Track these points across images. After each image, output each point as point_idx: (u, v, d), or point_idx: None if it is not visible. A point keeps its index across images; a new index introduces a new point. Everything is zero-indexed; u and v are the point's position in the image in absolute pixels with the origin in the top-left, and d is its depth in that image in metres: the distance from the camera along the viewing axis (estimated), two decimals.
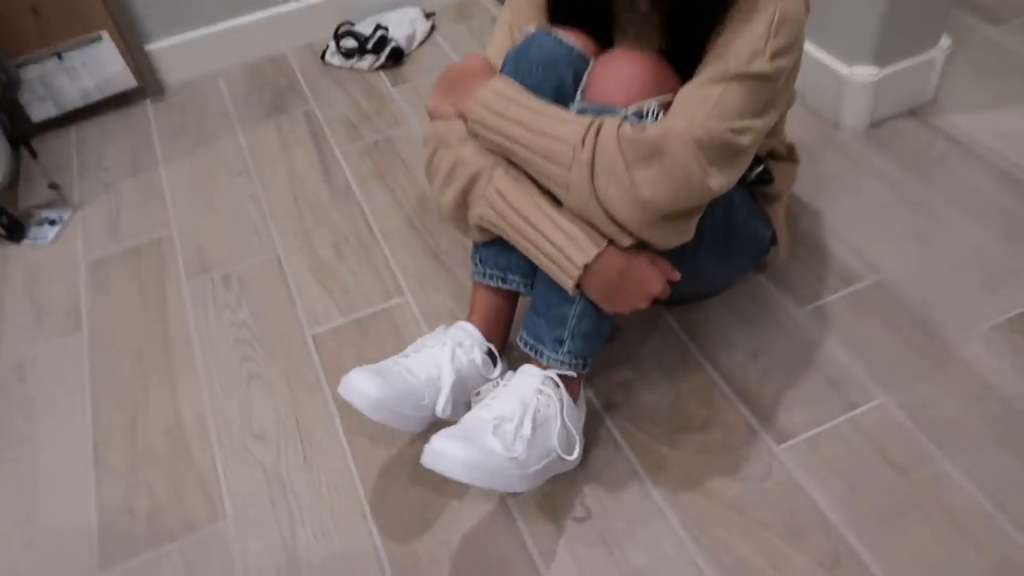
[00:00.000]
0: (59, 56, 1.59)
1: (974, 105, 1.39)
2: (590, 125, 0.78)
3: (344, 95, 1.65)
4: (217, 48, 1.75)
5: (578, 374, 0.90)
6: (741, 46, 0.79)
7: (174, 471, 1.03)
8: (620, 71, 0.83)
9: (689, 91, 0.80)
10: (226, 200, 1.43)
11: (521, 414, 0.84)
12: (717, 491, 0.92)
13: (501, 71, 0.89)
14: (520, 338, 0.92)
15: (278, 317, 1.21)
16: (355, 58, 1.71)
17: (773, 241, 1.06)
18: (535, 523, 0.92)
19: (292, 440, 1.04)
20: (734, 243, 1.00)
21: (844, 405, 0.98)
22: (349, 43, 1.71)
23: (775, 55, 0.79)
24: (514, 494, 0.94)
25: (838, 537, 0.87)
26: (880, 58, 1.29)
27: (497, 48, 0.95)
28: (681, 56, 0.84)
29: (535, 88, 0.85)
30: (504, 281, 0.95)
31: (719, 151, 0.79)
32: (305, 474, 1.00)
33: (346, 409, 1.05)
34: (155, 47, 1.70)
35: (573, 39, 0.87)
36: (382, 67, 1.70)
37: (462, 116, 0.88)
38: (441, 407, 0.89)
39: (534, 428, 0.83)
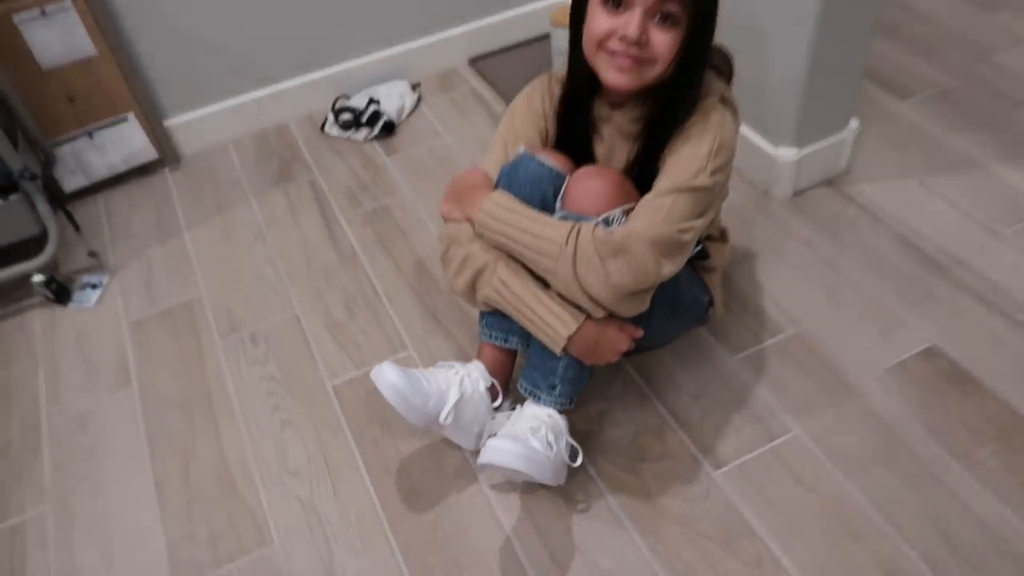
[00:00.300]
0: (90, 135, 1.80)
1: (880, 176, 1.66)
2: (571, 229, 1.03)
3: (343, 164, 1.87)
4: (227, 121, 1.97)
5: (567, 410, 1.15)
6: (688, 164, 1.04)
7: (225, 504, 1.24)
8: (592, 187, 1.08)
9: (648, 200, 1.06)
10: (246, 263, 1.65)
11: (545, 426, 1.10)
12: (668, 509, 1.16)
13: (497, 185, 1.13)
14: (520, 385, 1.17)
15: (301, 370, 1.43)
16: (351, 130, 1.93)
17: (711, 303, 1.32)
18: (525, 538, 1.15)
19: (322, 476, 1.27)
20: (679, 308, 1.25)
21: (766, 437, 1.23)
22: (346, 117, 1.93)
23: (713, 172, 1.05)
24: (545, 486, 1.17)
25: (761, 543, 1.11)
26: (800, 140, 1.56)
27: (494, 159, 1.18)
28: (641, 171, 1.10)
29: (525, 199, 1.09)
30: (506, 341, 1.20)
31: (669, 247, 1.04)
32: (335, 504, 1.23)
33: (365, 447, 1.28)
34: (173, 122, 1.91)
35: (552, 161, 1.11)
36: (375, 138, 1.93)
37: (469, 220, 1.12)
38: (444, 415, 1.12)
39: (555, 437, 1.10)
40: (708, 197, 1.06)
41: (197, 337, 1.51)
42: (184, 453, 1.32)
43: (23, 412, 1.42)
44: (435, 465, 1.26)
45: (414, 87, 2.05)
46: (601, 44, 1.02)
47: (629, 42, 0.98)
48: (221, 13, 1.81)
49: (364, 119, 1.91)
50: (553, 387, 1.14)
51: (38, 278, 1.57)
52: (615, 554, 1.12)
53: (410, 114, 2.00)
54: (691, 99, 1.07)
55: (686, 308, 1.27)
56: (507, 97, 1.98)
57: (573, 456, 1.16)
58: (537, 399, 1.15)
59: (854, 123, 1.61)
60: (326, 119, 1.98)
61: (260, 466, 1.29)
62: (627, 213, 1.06)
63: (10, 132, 1.51)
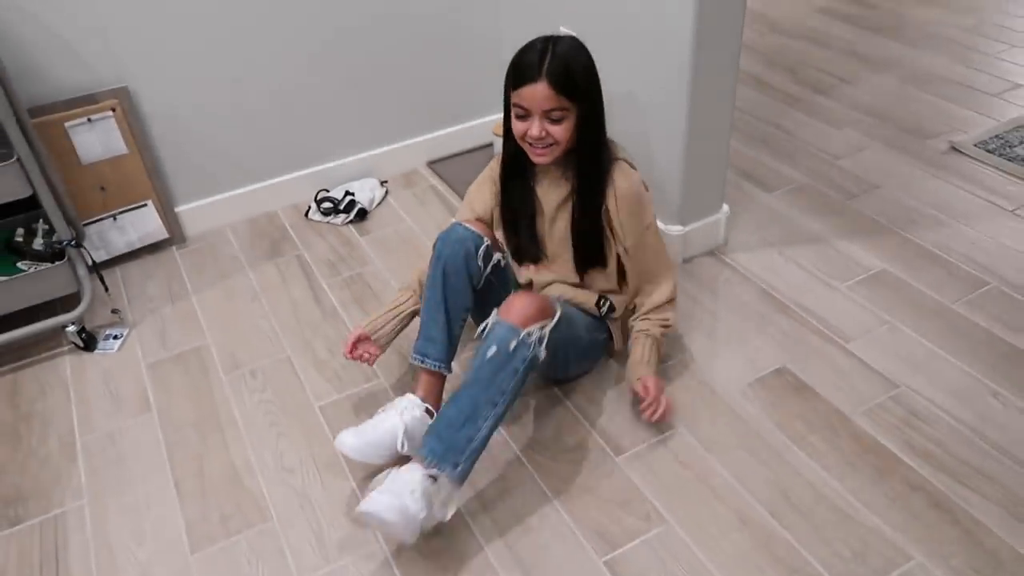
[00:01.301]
0: (114, 217, 2.18)
1: (749, 247, 2.13)
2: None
3: (324, 243, 2.28)
4: (227, 208, 2.37)
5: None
6: (634, 221, 1.54)
7: (233, 493, 1.56)
8: (519, 305, 1.42)
9: (636, 256, 1.58)
10: (245, 319, 2.01)
11: (420, 490, 1.31)
12: (581, 484, 1.52)
13: (435, 243, 1.55)
14: (424, 448, 1.36)
15: (293, 395, 1.77)
16: (331, 216, 2.36)
17: (611, 339, 1.72)
18: (470, 506, 1.49)
19: (312, 472, 1.60)
20: (588, 350, 1.68)
21: (656, 432, 1.62)
22: (326, 205, 2.36)
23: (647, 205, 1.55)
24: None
25: (650, 504, 1.48)
26: (683, 220, 2.02)
27: (465, 206, 1.68)
28: (583, 214, 1.55)
29: (454, 253, 1.52)
30: (423, 362, 1.55)
31: (667, 259, 1.63)
32: (323, 492, 1.55)
33: None
34: (182, 208, 2.31)
35: (474, 227, 1.55)
36: (351, 222, 2.35)
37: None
38: (399, 445, 1.47)
39: (427, 503, 1.32)
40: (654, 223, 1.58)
41: (206, 373, 1.85)
42: (198, 459, 1.64)
43: (60, 432, 1.73)
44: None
45: (383, 183, 2.50)
46: (521, 139, 1.48)
47: (535, 139, 1.44)
48: (226, 123, 2.25)
49: (342, 207, 2.34)
50: (456, 465, 1.36)
51: (71, 328, 1.91)
52: (541, 517, 1.47)
53: (379, 204, 2.43)
54: (596, 156, 1.50)
55: (594, 348, 1.70)
56: (459, 192, 2.43)
57: (445, 513, 1.37)
58: (440, 469, 1.34)
59: (725, 207, 2.10)
60: (309, 207, 2.40)
61: (261, 466, 1.62)
62: (543, 328, 1.42)
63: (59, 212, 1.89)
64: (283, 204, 2.45)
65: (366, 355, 1.64)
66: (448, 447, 1.36)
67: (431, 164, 2.61)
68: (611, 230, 1.57)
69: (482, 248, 1.56)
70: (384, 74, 2.40)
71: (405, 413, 1.51)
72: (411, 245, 2.24)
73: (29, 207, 2.02)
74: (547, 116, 1.42)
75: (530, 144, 1.47)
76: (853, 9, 3.61)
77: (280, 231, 2.35)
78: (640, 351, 1.64)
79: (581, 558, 1.40)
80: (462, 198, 2.38)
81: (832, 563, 1.36)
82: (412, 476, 1.34)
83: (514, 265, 1.73)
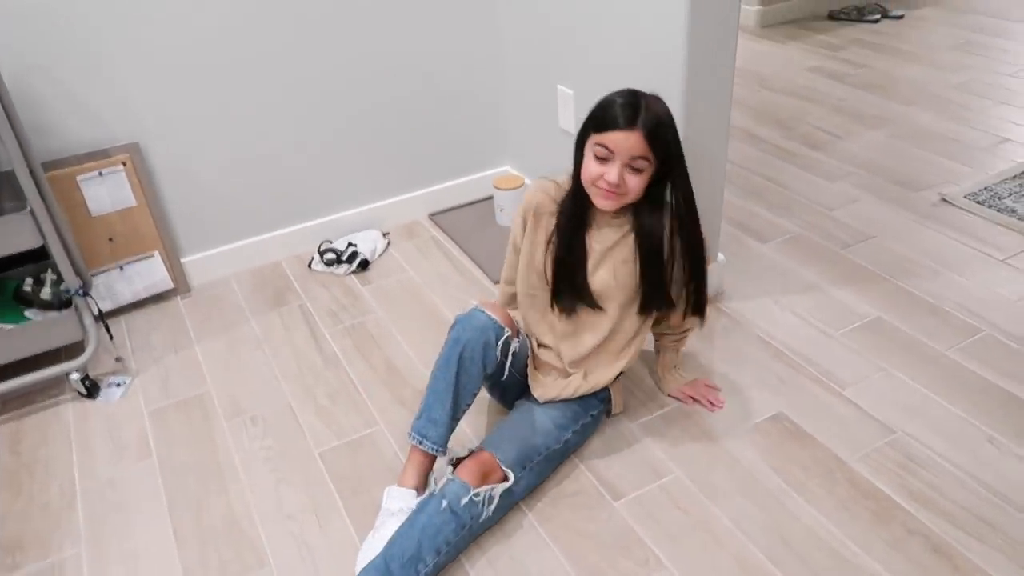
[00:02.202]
0: (121, 268, 2.22)
1: (746, 296, 2.16)
2: None
3: (327, 292, 2.32)
4: (231, 259, 2.42)
5: None
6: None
7: (231, 539, 1.56)
8: (476, 466, 1.47)
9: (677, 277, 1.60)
10: (248, 367, 2.03)
11: None
12: (580, 529, 1.52)
13: (452, 327, 1.56)
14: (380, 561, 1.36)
15: (293, 442, 1.79)
16: (334, 266, 2.40)
17: (609, 401, 1.73)
18: (470, 553, 1.49)
19: (311, 518, 1.60)
20: (587, 422, 1.67)
21: (655, 477, 1.62)
22: (329, 256, 2.40)
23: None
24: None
25: (648, 550, 1.47)
26: None
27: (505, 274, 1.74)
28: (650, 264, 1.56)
29: (472, 340, 1.51)
30: (420, 444, 1.52)
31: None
32: (322, 538, 1.55)
33: (345, 496, 1.63)
34: (187, 260, 2.35)
35: (496, 315, 1.55)
36: (353, 272, 2.39)
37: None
38: None
39: None
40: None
41: (207, 420, 1.87)
42: (197, 505, 1.65)
43: (60, 480, 1.73)
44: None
45: (385, 234, 2.55)
46: (593, 182, 1.47)
47: (611, 184, 1.44)
48: (232, 176, 2.31)
49: (344, 257, 2.38)
50: (417, 572, 1.37)
51: (75, 376, 1.93)
52: (540, 563, 1.47)
53: (381, 255, 2.48)
54: (657, 207, 1.52)
55: (592, 420, 1.69)
56: (460, 243, 2.48)
57: None
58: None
59: (721, 256, 2.13)
60: (312, 258, 2.44)
61: (260, 512, 1.62)
62: (493, 491, 1.46)
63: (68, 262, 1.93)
64: (287, 255, 2.50)
65: None
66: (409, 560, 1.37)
67: (432, 216, 2.66)
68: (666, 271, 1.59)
69: (502, 340, 1.55)
70: (387, 128, 2.47)
71: (399, 514, 1.48)
72: (412, 295, 2.28)
73: (39, 257, 2.06)
74: (630, 165, 1.43)
75: (600, 188, 1.46)
76: (843, 68, 3.72)
77: (284, 281, 2.39)
78: (669, 358, 1.83)
79: None
80: (463, 249, 2.45)
81: None
82: None
83: (532, 343, 1.71)
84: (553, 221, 1.59)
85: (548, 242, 1.60)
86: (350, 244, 2.43)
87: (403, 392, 1.90)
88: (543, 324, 1.68)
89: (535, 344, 1.71)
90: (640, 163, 1.43)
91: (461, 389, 1.52)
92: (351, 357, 2.04)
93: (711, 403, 1.79)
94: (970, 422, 1.70)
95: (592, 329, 1.63)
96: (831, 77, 3.63)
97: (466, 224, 2.59)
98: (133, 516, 1.63)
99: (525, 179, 2.58)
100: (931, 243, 2.34)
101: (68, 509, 1.66)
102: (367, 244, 2.46)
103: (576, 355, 1.65)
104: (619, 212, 1.55)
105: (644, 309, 1.62)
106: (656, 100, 1.45)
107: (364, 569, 1.37)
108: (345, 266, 2.39)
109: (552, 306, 1.64)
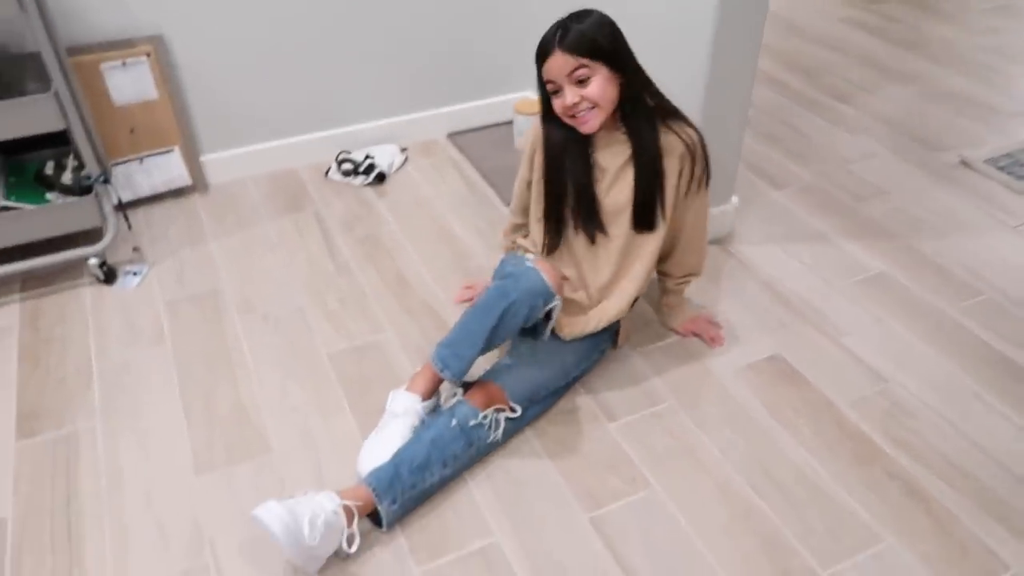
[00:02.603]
0: (141, 160, 2.24)
1: (754, 241, 2.18)
2: None
3: (342, 202, 2.34)
4: (249, 161, 2.43)
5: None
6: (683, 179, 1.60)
7: (238, 426, 1.63)
8: (483, 393, 1.52)
9: (681, 218, 1.66)
10: (261, 267, 2.07)
11: (323, 518, 1.29)
12: (574, 446, 1.59)
13: (505, 275, 1.59)
14: (372, 476, 1.39)
15: (303, 342, 1.84)
16: (351, 176, 2.41)
17: (617, 334, 1.77)
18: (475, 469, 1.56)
19: (313, 409, 1.66)
20: (592, 352, 1.71)
21: (649, 404, 1.68)
22: (347, 166, 2.42)
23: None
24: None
25: (636, 469, 1.54)
26: None
27: (513, 216, 1.79)
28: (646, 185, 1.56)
29: (518, 301, 1.50)
30: (441, 371, 1.53)
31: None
32: (325, 430, 1.62)
33: (351, 394, 1.69)
34: (206, 158, 2.37)
35: (550, 279, 1.53)
36: (369, 184, 2.41)
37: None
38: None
39: (326, 531, 1.29)
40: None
41: (219, 314, 1.92)
42: (206, 391, 1.71)
43: (76, 358, 1.80)
44: None
45: (403, 150, 2.56)
46: (564, 115, 1.50)
47: (572, 107, 1.47)
48: (254, 78, 2.31)
49: (361, 168, 2.40)
50: (395, 500, 1.38)
51: (94, 261, 1.97)
52: (536, 476, 1.53)
53: (398, 170, 2.49)
54: (644, 112, 1.51)
55: (600, 354, 1.74)
56: (477, 165, 2.49)
57: (350, 543, 1.34)
58: (377, 500, 1.37)
59: (735, 199, 2.15)
60: (330, 167, 2.46)
61: (267, 402, 1.68)
62: (499, 414, 1.52)
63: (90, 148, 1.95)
64: (304, 162, 2.51)
65: (472, 294, 1.79)
66: (393, 480, 1.40)
67: (451, 136, 2.66)
68: (663, 191, 1.58)
69: (550, 306, 1.57)
70: (412, 42, 2.45)
71: (406, 418, 1.52)
72: (426, 211, 2.30)
73: (60, 142, 2.08)
74: (573, 81, 1.45)
75: (572, 117, 1.49)
76: (876, 21, 3.65)
77: (300, 187, 2.41)
78: (672, 298, 1.85)
79: (567, 513, 1.46)
80: (479, 170, 2.46)
81: (806, 538, 1.42)
82: (321, 504, 1.32)
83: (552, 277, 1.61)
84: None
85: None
86: (368, 156, 2.44)
87: (411, 303, 1.95)
88: (563, 254, 1.70)
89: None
90: (580, 72, 1.44)
91: (494, 337, 1.53)
92: (363, 266, 2.08)
93: (711, 339, 1.83)
94: (960, 378, 1.74)
95: (611, 252, 1.64)
96: (864, 29, 3.57)
97: (484, 146, 2.59)
98: (145, 397, 1.70)
99: None
100: (945, 204, 2.35)
101: (84, 385, 1.72)
102: (385, 157, 2.47)
103: (600, 282, 1.67)
104: (618, 127, 1.55)
105: (635, 223, 1.60)
106: (580, 14, 1.46)
107: (375, 470, 1.42)
108: (362, 177, 2.40)
109: (572, 230, 1.66)
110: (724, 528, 1.44)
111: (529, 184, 1.72)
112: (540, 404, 1.63)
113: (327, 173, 2.45)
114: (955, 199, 2.37)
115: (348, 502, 1.35)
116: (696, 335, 1.85)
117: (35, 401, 1.68)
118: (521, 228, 1.83)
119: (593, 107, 1.48)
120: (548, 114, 1.56)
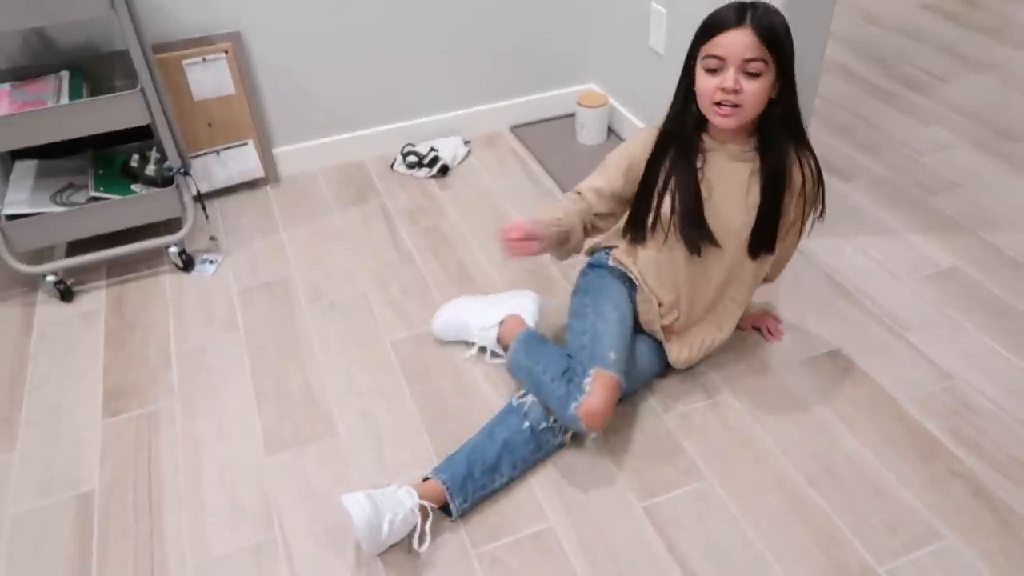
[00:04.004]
0: (217, 153, 2.35)
1: (817, 233, 2.12)
2: None
3: (406, 194, 2.40)
4: (319, 153, 2.52)
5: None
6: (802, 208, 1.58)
7: (305, 407, 1.70)
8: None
9: (785, 241, 1.63)
10: (329, 256, 2.15)
11: (402, 516, 1.35)
12: (630, 438, 1.61)
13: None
14: (445, 471, 1.43)
15: (367, 329, 1.90)
16: (415, 169, 2.47)
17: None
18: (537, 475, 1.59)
19: (376, 396, 1.72)
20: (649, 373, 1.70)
21: (705, 396, 1.68)
22: (411, 159, 2.48)
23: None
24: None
25: (691, 461, 1.55)
26: None
27: (601, 176, 1.56)
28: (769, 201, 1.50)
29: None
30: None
31: None
32: (388, 415, 1.68)
33: (412, 381, 1.74)
34: (278, 150, 2.46)
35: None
36: (433, 176, 2.46)
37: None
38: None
39: (401, 527, 1.36)
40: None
41: (289, 301, 2.00)
42: (277, 375, 1.79)
43: (157, 341, 1.90)
44: (463, 393, 1.71)
45: (466, 143, 2.60)
46: (710, 98, 1.36)
47: (728, 91, 1.33)
48: (326, 74, 2.39)
49: (426, 161, 2.46)
50: (465, 500, 1.43)
51: (174, 249, 2.08)
52: (591, 465, 1.56)
53: (461, 162, 2.54)
54: (786, 130, 1.44)
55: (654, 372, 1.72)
56: (539, 158, 2.52)
57: (420, 542, 1.38)
58: (450, 498, 1.41)
59: None
60: (395, 160, 2.52)
61: (333, 387, 1.75)
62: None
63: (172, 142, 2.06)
64: (371, 154, 2.58)
65: (523, 248, 1.49)
66: (466, 480, 1.44)
67: (514, 128, 2.70)
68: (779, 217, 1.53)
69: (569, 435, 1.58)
70: (477, 36, 2.49)
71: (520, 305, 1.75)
72: (488, 203, 2.34)
73: (144, 136, 2.20)
74: (744, 69, 1.33)
75: (717, 104, 1.37)
76: (958, 7, 3.52)
77: (366, 179, 2.48)
78: None
79: (621, 502, 1.49)
80: (541, 163, 2.49)
81: (863, 532, 1.41)
82: (402, 503, 1.37)
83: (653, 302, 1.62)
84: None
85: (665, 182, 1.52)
86: (432, 149, 2.50)
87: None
88: (666, 272, 1.61)
89: (656, 303, 1.63)
90: (756, 65, 1.32)
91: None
92: (425, 256, 2.14)
93: (771, 333, 1.82)
94: None
95: (718, 270, 1.59)
96: (944, 16, 3.44)
97: (546, 139, 2.61)
98: (220, 379, 1.79)
99: (609, 98, 2.58)
100: (1021, 197, 2.26)
101: (164, 367, 1.83)
102: (448, 150, 2.52)
103: (706, 301, 1.64)
104: (744, 140, 1.47)
105: (751, 249, 1.54)
106: (772, 8, 1.35)
107: (449, 466, 1.45)
108: (426, 169, 2.46)
109: (673, 242, 1.56)
110: (779, 520, 1.44)
111: (610, 195, 1.58)
112: None
113: (392, 165, 2.52)
114: None
115: (425, 502, 1.40)
116: (756, 329, 1.84)
117: (120, 382, 1.80)
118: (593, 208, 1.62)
119: (738, 106, 1.36)
120: (683, 101, 1.45)
